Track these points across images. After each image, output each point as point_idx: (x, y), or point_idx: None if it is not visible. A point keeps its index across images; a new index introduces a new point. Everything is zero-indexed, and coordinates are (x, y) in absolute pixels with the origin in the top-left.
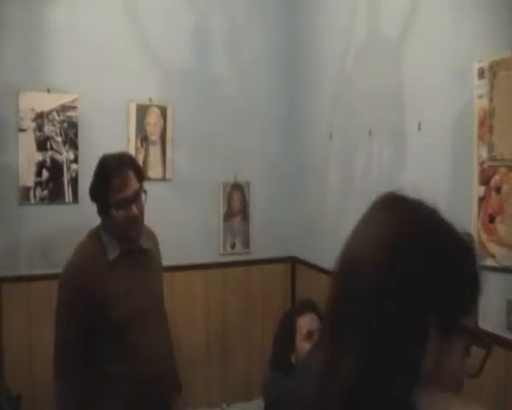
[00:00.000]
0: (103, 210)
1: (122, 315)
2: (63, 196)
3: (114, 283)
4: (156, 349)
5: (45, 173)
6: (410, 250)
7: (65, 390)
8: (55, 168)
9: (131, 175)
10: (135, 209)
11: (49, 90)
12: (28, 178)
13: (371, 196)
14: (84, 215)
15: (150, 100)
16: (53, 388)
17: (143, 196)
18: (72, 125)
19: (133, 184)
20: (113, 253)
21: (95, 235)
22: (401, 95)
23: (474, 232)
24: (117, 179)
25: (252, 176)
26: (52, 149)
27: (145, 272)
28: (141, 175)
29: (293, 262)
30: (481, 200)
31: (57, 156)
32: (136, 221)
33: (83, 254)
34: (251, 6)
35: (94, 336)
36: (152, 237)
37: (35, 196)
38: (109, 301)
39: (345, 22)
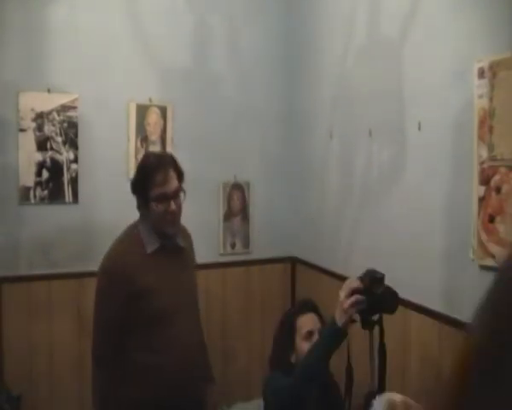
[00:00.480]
0: (143, 204)
1: (154, 309)
2: (63, 196)
3: (150, 276)
4: (184, 345)
5: (45, 173)
6: None
7: (101, 375)
8: (55, 168)
9: (172, 173)
10: (173, 205)
11: (49, 90)
12: (28, 178)
13: (371, 196)
14: (84, 215)
15: (150, 100)
16: (91, 373)
17: (182, 195)
18: (72, 125)
19: (174, 181)
20: (151, 246)
21: (133, 229)
22: (401, 95)
23: (473, 232)
24: (159, 175)
25: (252, 176)
26: (52, 149)
27: (180, 270)
28: (181, 175)
29: (293, 262)
30: (481, 200)
31: (57, 156)
32: (174, 217)
33: (120, 246)
34: (251, 6)
35: (126, 326)
36: (188, 236)
37: (35, 196)
38: (144, 294)
39: (345, 22)
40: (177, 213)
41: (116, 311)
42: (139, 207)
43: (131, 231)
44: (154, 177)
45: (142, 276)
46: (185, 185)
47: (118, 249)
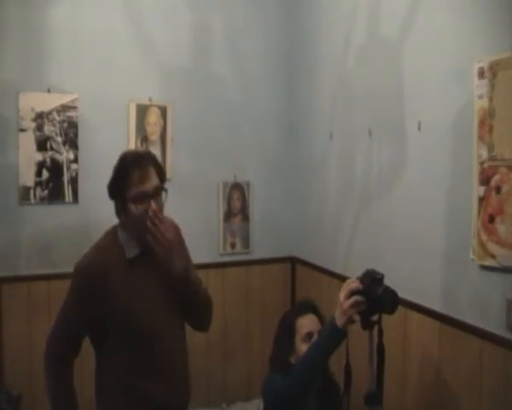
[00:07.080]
0: (121, 207)
1: (140, 322)
2: (63, 196)
3: (133, 285)
4: (176, 360)
5: (45, 173)
6: None
7: (48, 380)
8: (55, 168)
9: (151, 170)
10: (154, 205)
11: (49, 90)
12: (28, 178)
13: (371, 196)
14: (84, 215)
15: (150, 100)
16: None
17: (164, 195)
18: (72, 125)
19: (153, 179)
20: (131, 251)
21: (111, 234)
22: (401, 95)
23: (473, 232)
24: (136, 173)
25: (252, 176)
26: (52, 149)
27: (161, 280)
28: (162, 173)
29: (293, 262)
30: (481, 200)
31: (57, 156)
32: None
33: (99, 250)
34: (251, 6)
35: (109, 343)
36: (176, 228)
37: (35, 196)
38: (121, 310)
39: (345, 22)
40: (158, 214)
41: (84, 312)
42: (117, 212)
43: (109, 236)
44: (131, 175)
45: (122, 284)
46: (185, 185)
47: (96, 252)
